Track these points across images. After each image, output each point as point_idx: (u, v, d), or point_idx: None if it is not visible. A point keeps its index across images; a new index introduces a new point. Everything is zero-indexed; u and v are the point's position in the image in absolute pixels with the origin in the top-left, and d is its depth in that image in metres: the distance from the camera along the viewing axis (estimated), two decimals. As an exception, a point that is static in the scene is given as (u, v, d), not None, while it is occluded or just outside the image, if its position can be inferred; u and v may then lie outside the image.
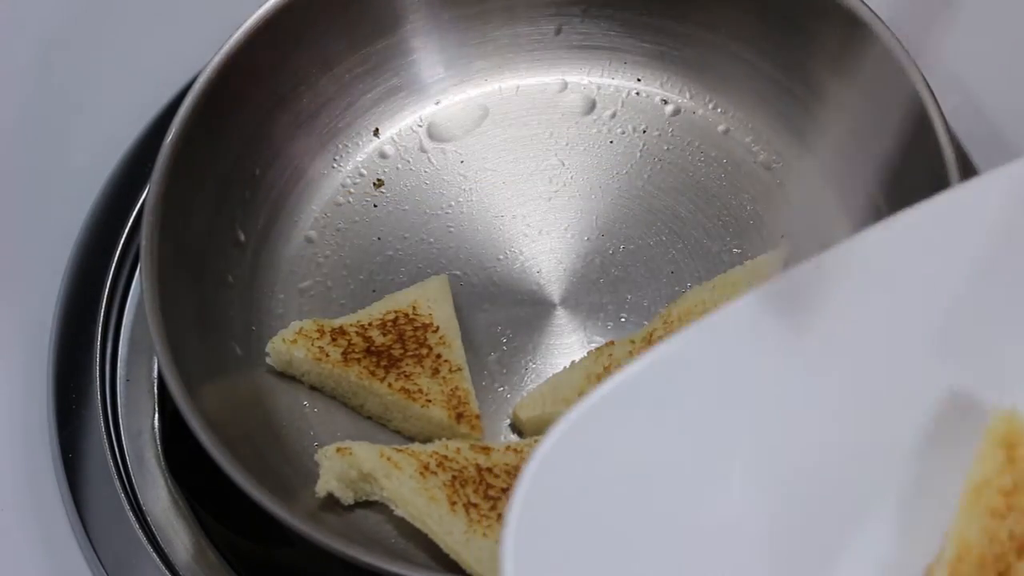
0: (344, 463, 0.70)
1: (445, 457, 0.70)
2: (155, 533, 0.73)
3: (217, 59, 0.77)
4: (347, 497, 0.71)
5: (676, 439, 0.54)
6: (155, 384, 0.77)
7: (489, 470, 0.70)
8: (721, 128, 0.82)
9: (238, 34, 0.78)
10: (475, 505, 0.69)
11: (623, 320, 0.77)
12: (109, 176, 0.83)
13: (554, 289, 0.78)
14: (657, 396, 0.54)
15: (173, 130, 0.75)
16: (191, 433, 0.68)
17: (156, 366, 0.78)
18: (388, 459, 0.70)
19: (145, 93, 0.85)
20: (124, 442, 0.76)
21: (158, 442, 0.76)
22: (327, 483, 0.70)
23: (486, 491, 0.69)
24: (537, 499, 0.52)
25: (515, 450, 0.71)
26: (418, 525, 0.69)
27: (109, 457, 0.75)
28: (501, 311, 0.77)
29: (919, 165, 0.73)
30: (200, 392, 0.69)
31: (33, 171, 0.85)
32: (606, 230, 0.80)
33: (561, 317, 0.77)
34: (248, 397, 0.75)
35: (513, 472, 0.70)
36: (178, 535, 0.73)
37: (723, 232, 0.79)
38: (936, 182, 0.70)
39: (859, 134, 0.77)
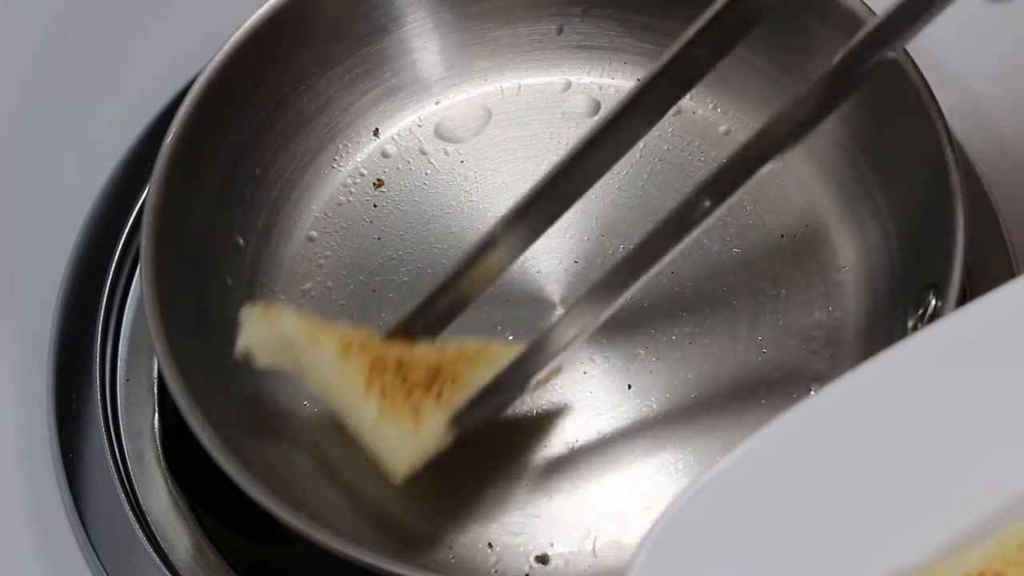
0: (267, 325, 0.69)
1: (367, 345, 0.69)
2: (155, 533, 0.73)
3: (217, 59, 0.77)
4: (262, 360, 0.70)
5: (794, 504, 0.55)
6: (155, 384, 0.78)
7: (409, 363, 0.69)
8: (722, 128, 0.82)
9: (238, 34, 0.77)
10: (390, 392, 0.68)
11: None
12: (109, 176, 0.83)
13: (554, 289, 0.78)
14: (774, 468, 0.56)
15: (173, 130, 0.75)
16: (191, 433, 0.68)
17: (156, 366, 0.78)
18: (311, 333, 0.69)
19: (145, 93, 0.85)
20: (124, 442, 0.76)
21: (158, 442, 0.76)
22: (247, 342, 0.69)
23: (403, 381, 0.68)
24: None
25: (439, 349, 0.70)
26: (329, 404, 0.69)
27: (109, 457, 0.75)
28: (501, 311, 0.77)
29: (919, 165, 0.73)
30: (200, 392, 0.69)
31: (33, 171, 0.85)
32: (606, 230, 0.80)
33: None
34: (248, 397, 0.75)
35: (433, 368, 0.69)
36: (178, 535, 0.73)
37: (723, 232, 0.79)
38: (936, 182, 0.70)
39: (859, 134, 0.78)
